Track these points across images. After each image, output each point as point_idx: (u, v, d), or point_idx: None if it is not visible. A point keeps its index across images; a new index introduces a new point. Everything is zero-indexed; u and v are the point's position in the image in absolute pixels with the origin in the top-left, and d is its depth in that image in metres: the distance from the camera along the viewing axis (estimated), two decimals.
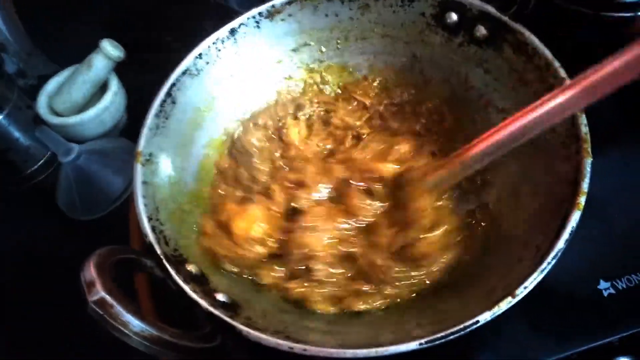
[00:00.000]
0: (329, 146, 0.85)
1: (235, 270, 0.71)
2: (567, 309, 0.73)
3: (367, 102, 0.88)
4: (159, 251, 0.62)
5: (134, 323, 0.49)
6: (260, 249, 0.71)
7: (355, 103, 0.89)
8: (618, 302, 0.73)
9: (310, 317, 0.67)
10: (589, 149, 0.61)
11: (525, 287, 0.54)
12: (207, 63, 0.81)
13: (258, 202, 0.74)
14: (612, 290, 0.74)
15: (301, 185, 0.75)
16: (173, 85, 0.77)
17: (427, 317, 0.61)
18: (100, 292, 0.50)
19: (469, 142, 0.65)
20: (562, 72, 0.68)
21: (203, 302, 0.58)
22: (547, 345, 0.71)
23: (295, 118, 0.85)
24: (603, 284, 0.75)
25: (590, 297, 0.74)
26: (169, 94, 0.76)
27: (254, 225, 0.70)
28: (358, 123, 0.86)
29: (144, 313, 0.75)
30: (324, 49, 0.90)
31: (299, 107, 0.87)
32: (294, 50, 0.89)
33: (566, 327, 0.72)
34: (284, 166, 0.81)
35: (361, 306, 0.68)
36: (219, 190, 0.80)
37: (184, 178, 0.77)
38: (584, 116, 0.64)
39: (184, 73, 0.78)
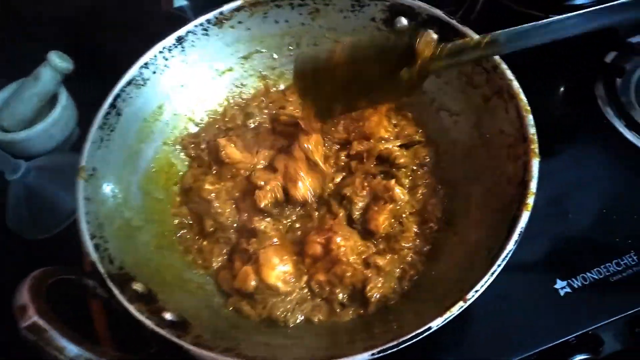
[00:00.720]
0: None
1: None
2: (524, 309, 0.73)
3: None
4: (102, 270, 0.60)
5: (69, 348, 0.47)
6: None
7: None
8: (574, 301, 0.74)
9: (266, 331, 0.65)
10: (537, 150, 0.62)
11: (476, 291, 0.53)
12: (154, 72, 0.79)
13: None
14: (568, 289, 0.75)
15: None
16: (117, 96, 0.74)
17: (382, 327, 0.60)
18: (33, 317, 0.47)
19: None
20: (510, 74, 0.68)
21: (148, 322, 0.55)
22: (506, 347, 0.71)
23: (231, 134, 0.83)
24: (560, 283, 0.76)
25: (547, 297, 0.74)
26: (113, 105, 0.74)
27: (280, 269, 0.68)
28: None
29: (100, 337, 0.72)
30: (276, 56, 0.89)
31: (248, 116, 0.85)
32: (245, 57, 0.87)
33: (524, 328, 0.72)
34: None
35: (321, 317, 0.67)
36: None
37: (132, 192, 0.74)
38: (531, 117, 0.64)
39: (129, 83, 0.76)
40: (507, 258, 0.55)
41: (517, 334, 0.72)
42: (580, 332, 0.71)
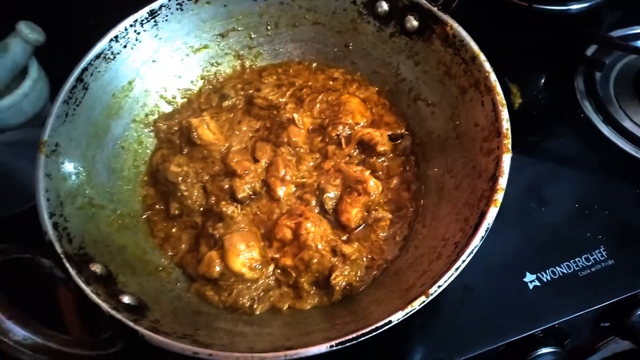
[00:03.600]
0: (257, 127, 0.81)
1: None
2: (492, 302, 0.73)
3: (298, 82, 0.85)
4: (59, 250, 0.58)
5: (16, 331, 0.45)
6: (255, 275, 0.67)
7: (285, 79, 0.86)
8: (542, 294, 0.73)
9: (229, 318, 0.64)
10: (509, 145, 0.61)
11: (439, 286, 0.52)
12: (125, 47, 0.76)
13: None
14: (537, 283, 0.75)
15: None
16: (85, 70, 0.71)
17: (344, 317, 0.60)
18: None
19: None
20: (487, 66, 0.67)
21: (104, 305, 0.54)
22: (472, 339, 0.71)
23: (204, 114, 0.80)
24: (529, 277, 0.76)
25: (516, 290, 0.74)
26: (79, 79, 0.71)
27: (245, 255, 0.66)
28: (283, 99, 0.82)
29: (67, 322, 0.71)
30: (253, 35, 0.86)
31: (223, 97, 0.83)
32: (222, 35, 0.85)
33: (491, 321, 0.72)
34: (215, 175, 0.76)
35: (287, 305, 0.66)
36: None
37: (97, 170, 0.72)
38: (506, 111, 0.63)
39: (97, 57, 0.73)
40: (472, 254, 0.54)
41: (483, 327, 0.71)
42: (547, 326, 0.71)
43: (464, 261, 0.54)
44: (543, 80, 0.98)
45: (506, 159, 0.60)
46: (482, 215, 0.57)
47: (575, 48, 0.97)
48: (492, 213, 0.56)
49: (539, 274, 0.75)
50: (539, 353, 0.72)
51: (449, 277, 0.53)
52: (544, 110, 0.92)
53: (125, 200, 0.74)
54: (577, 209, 0.81)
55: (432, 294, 0.52)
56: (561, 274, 0.75)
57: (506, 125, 0.62)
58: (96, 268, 0.59)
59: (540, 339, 0.74)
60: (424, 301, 0.52)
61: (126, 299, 0.57)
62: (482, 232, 0.55)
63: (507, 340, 0.70)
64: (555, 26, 0.98)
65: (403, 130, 0.77)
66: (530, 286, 0.75)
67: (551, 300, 0.73)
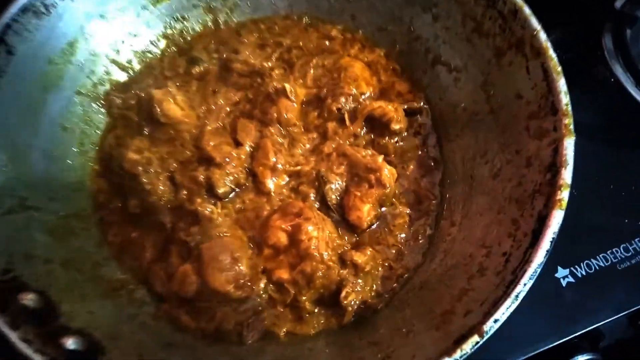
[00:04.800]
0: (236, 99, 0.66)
1: None
2: (520, 304, 0.62)
3: (286, 41, 0.70)
4: None
5: None
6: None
7: (269, 38, 0.70)
8: (578, 292, 0.63)
9: (212, 351, 0.51)
10: (571, 126, 0.47)
11: (495, 320, 0.39)
12: None
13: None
14: (570, 279, 0.64)
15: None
16: (7, 28, 0.55)
17: (360, 350, 0.47)
18: None
19: None
20: (535, 22, 0.53)
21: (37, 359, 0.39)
22: (501, 348, 0.60)
23: (167, 85, 0.64)
24: (561, 272, 0.65)
25: (548, 288, 0.63)
26: (1, 40, 0.54)
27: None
28: (268, 64, 0.67)
29: None
30: None
31: (192, 61, 0.67)
32: None
33: (521, 327, 0.60)
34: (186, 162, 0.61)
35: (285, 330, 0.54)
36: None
37: (31, 160, 0.56)
38: (563, 80, 0.49)
39: (24, 10, 0.56)
40: (536, 275, 0.41)
41: (513, 334, 0.60)
42: (583, 332, 0.62)
43: (525, 285, 0.41)
44: (567, 37, 0.84)
45: (569, 145, 0.46)
46: (542, 221, 0.44)
47: None
48: (557, 218, 0.44)
49: (572, 269, 0.65)
50: None
51: (508, 308, 0.40)
52: (568, 74, 0.80)
53: (70, 197, 0.60)
54: (611, 191, 0.71)
55: (487, 332, 0.39)
56: (597, 267, 0.66)
57: (565, 99, 0.48)
58: (28, 299, 0.44)
59: (575, 344, 0.65)
60: (477, 343, 0.39)
61: (70, 343, 0.43)
62: (545, 244, 0.43)
63: (537, 350, 0.61)
64: None
65: (422, 104, 0.63)
66: (564, 283, 0.65)
67: (588, 299, 0.63)
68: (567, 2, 0.85)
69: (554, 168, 0.46)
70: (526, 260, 0.42)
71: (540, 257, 0.42)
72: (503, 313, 0.40)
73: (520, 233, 0.46)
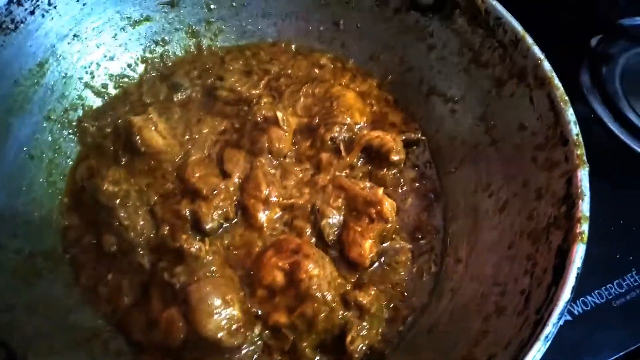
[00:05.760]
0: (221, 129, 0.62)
1: None
2: None
3: (273, 69, 0.66)
4: None
5: None
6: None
7: (255, 65, 0.67)
8: (576, 331, 0.61)
9: None
10: (584, 157, 0.45)
11: None
12: (32, 13, 0.55)
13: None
14: (567, 317, 0.62)
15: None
16: None
17: None
18: None
19: None
20: (537, 51, 0.52)
21: None
22: None
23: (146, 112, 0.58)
24: None
25: None
26: None
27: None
28: (256, 92, 0.64)
29: None
30: (213, 6, 0.67)
31: (173, 87, 0.62)
32: (170, 4, 0.64)
33: None
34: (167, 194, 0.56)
35: None
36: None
37: None
38: (571, 110, 0.48)
39: None
40: (564, 314, 0.38)
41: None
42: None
43: (554, 325, 0.38)
44: None
45: (584, 176, 0.44)
46: (564, 255, 0.41)
47: (579, 37, 0.86)
48: (579, 252, 0.41)
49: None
50: None
51: (539, 351, 0.37)
52: None
53: (37, 233, 0.55)
54: (600, 226, 0.69)
55: None
56: (593, 305, 0.64)
57: (575, 129, 0.47)
58: None
59: None
60: None
61: None
62: (571, 280, 0.40)
63: None
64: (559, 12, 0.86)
65: (419, 135, 0.60)
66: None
67: (586, 338, 0.61)
68: (544, 41, 0.86)
69: (570, 200, 0.44)
70: (551, 299, 0.39)
71: (566, 294, 0.39)
72: (534, 357, 0.37)
73: (538, 269, 0.43)
